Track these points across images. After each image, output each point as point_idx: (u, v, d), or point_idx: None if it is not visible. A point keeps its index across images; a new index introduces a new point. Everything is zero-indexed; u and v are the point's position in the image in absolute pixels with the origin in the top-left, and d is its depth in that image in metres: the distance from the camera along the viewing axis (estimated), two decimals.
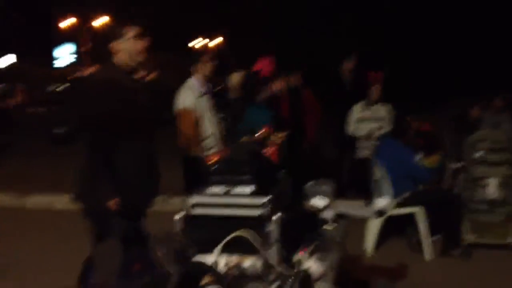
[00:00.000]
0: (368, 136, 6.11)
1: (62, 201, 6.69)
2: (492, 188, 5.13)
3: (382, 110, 6.35)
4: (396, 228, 5.43)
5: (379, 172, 5.18)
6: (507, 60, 14.17)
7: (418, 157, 5.25)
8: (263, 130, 3.73)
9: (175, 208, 6.19)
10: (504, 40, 14.95)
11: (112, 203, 3.33)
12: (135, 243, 2.64)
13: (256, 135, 3.68)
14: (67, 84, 14.52)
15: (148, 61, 3.85)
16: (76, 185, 3.52)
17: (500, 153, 5.20)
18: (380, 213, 4.95)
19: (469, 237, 5.16)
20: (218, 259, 2.65)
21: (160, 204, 6.20)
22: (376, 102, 6.34)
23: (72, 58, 31.91)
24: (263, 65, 5.69)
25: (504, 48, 14.87)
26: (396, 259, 4.92)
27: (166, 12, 25.75)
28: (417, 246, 5.16)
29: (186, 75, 5.19)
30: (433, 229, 5.18)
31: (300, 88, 6.80)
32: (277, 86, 5.44)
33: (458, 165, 5.81)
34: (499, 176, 5.17)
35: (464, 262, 4.94)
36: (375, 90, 6.30)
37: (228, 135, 5.14)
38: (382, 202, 4.93)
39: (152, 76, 6.27)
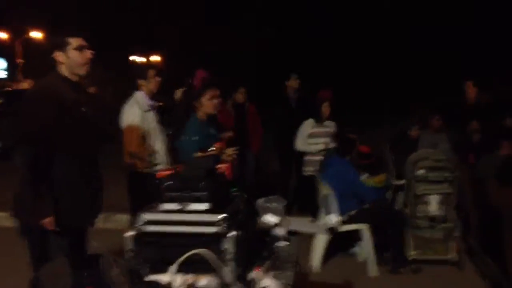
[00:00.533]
0: (322, 151, 6.15)
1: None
2: (433, 205, 5.29)
3: (332, 127, 6.46)
4: (341, 244, 5.50)
5: (325, 189, 5.24)
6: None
7: (364, 176, 5.35)
8: (216, 146, 3.67)
9: (118, 226, 6.05)
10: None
11: (49, 221, 3.18)
12: (84, 264, 2.51)
13: (209, 150, 3.63)
14: (2, 97, 13.85)
15: (89, 75, 3.72)
16: (14, 201, 3.35)
17: (440, 171, 5.36)
18: (331, 230, 4.99)
19: (412, 253, 5.28)
20: (173, 278, 2.56)
21: (102, 221, 6.03)
22: (327, 119, 6.42)
23: (3, 74, 30.64)
24: (200, 78, 5.58)
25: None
26: (342, 276, 4.97)
27: (104, 27, 25.30)
28: (363, 263, 5.23)
29: (126, 91, 5.06)
30: (378, 246, 5.28)
31: (245, 103, 6.81)
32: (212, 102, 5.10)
33: (400, 182, 5.97)
34: (439, 193, 5.33)
35: (407, 278, 5.05)
36: (325, 107, 6.38)
37: (174, 151, 5.03)
38: (332, 219, 4.97)
39: (91, 90, 6.08)
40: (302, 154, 6.54)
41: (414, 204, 5.39)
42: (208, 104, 4.69)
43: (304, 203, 6.70)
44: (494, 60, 15.58)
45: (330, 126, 6.45)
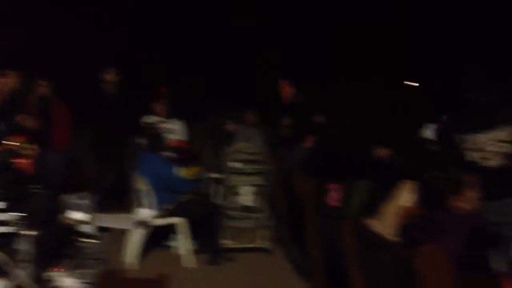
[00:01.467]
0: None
1: None
2: (246, 196, 5.55)
3: (175, 124, 6.45)
4: (159, 239, 5.51)
5: (141, 184, 5.20)
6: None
7: (177, 169, 5.41)
8: (14, 140, 3.40)
9: None
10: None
11: None
12: None
13: (5, 144, 3.36)
14: None
15: None
16: None
17: (253, 164, 5.65)
18: (141, 224, 4.95)
19: (227, 243, 5.49)
20: None
21: None
22: (167, 116, 6.36)
23: None
24: None
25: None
26: (159, 269, 4.96)
27: None
28: (180, 255, 5.29)
29: None
30: (195, 238, 5.39)
31: (50, 98, 6.42)
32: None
33: (217, 175, 6.16)
34: (252, 185, 5.62)
35: (223, 267, 5.23)
36: (157, 105, 6.33)
37: None
38: (143, 213, 4.93)
39: None
40: (124, 149, 6.40)
41: (229, 195, 5.61)
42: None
43: (124, 199, 6.57)
44: (310, 61, 16.73)
45: (174, 123, 6.44)
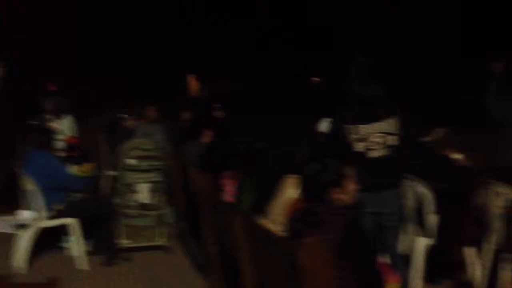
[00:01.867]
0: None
1: None
2: (142, 194, 5.42)
3: (65, 120, 6.18)
4: (52, 240, 5.27)
5: (28, 184, 4.92)
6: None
7: (70, 167, 5.19)
8: None
9: None
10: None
11: None
12: None
13: None
14: None
15: None
16: None
17: (149, 160, 5.52)
18: (22, 226, 4.68)
19: (124, 242, 5.33)
20: None
21: None
22: (54, 112, 6.09)
23: None
24: None
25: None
26: (50, 273, 4.76)
27: None
28: (73, 257, 5.09)
29: None
30: (88, 238, 5.19)
31: None
32: None
33: (113, 172, 5.98)
34: (149, 182, 5.49)
35: (118, 267, 5.08)
36: (46, 100, 6.07)
37: None
38: (26, 215, 4.67)
39: None
40: (12, 147, 6.05)
41: (125, 193, 5.46)
42: None
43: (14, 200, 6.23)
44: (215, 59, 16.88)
45: (64, 120, 6.19)
